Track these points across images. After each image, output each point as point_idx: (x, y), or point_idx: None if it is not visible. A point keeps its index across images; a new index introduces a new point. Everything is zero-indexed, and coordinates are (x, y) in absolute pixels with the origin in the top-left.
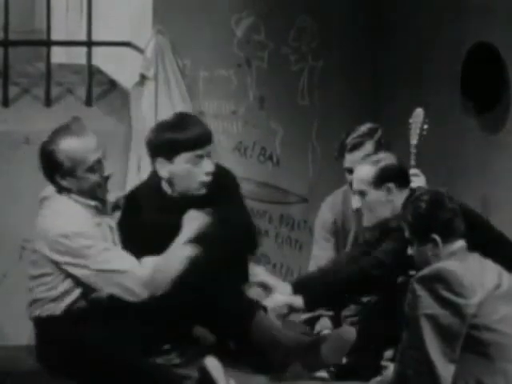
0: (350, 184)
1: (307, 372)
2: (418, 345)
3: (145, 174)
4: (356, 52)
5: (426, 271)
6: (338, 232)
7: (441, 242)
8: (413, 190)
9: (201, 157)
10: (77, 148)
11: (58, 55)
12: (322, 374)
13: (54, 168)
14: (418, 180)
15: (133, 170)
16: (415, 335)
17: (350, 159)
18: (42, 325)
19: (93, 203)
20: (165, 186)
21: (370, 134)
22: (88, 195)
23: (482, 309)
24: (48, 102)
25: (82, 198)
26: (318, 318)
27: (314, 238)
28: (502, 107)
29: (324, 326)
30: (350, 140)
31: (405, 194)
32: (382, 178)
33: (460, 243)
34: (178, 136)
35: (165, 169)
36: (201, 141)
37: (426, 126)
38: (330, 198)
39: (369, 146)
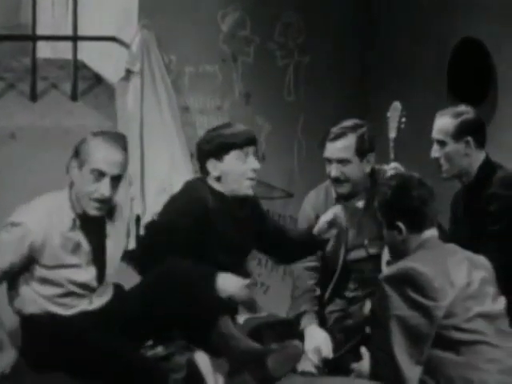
0: (329, 175)
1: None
2: (385, 346)
3: (130, 169)
4: (343, 48)
5: (395, 270)
6: None
7: (406, 230)
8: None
9: (247, 154)
10: (98, 149)
11: (44, 50)
12: (311, 369)
13: (75, 152)
14: None
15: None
16: (383, 336)
17: (330, 148)
18: (25, 321)
19: (72, 216)
20: (216, 186)
21: (354, 128)
22: (81, 204)
23: (452, 310)
24: (33, 96)
25: (69, 201)
26: (303, 313)
27: None
28: (489, 102)
29: (309, 321)
30: (333, 130)
31: (482, 155)
32: (462, 131)
33: (430, 233)
34: (227, 136)
35: (216, 168)
36: (247, 139)
37: (403, 120)
38: (312, 194)
39: (351, 139)
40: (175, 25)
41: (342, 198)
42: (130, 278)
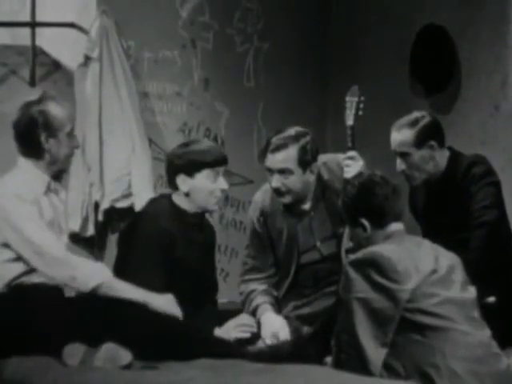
0: (270, 185)
1: None
2: (349, 328)
3: (89, 155)
4: (303, 33)
5: (360, 255)
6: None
7: (370, 226)
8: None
9: (217, 174)
10: (62, 111)
11: (2, 36)
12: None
13: (43, 126)
14: (355, 163)
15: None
16: (347, 319)
17: (271, 159)
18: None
19: (47, 179)
20: (181, 203)
21: (296, 138)
22: (58, 165)
23: (417, 294)
24: None
25: (41, 170)
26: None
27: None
28: (452, 88)
29: (264, 310)
30: (274, 140)
31: (446, 152)
32: (424, 137)
33: (396, 226)
34: (199, 153)
35: (185, 184)
36: (220, 160)
37: (361, 106)
38: (258, 197)
39: (292, 150)
40: (134, 10)
41: (287, 206)
42: None
